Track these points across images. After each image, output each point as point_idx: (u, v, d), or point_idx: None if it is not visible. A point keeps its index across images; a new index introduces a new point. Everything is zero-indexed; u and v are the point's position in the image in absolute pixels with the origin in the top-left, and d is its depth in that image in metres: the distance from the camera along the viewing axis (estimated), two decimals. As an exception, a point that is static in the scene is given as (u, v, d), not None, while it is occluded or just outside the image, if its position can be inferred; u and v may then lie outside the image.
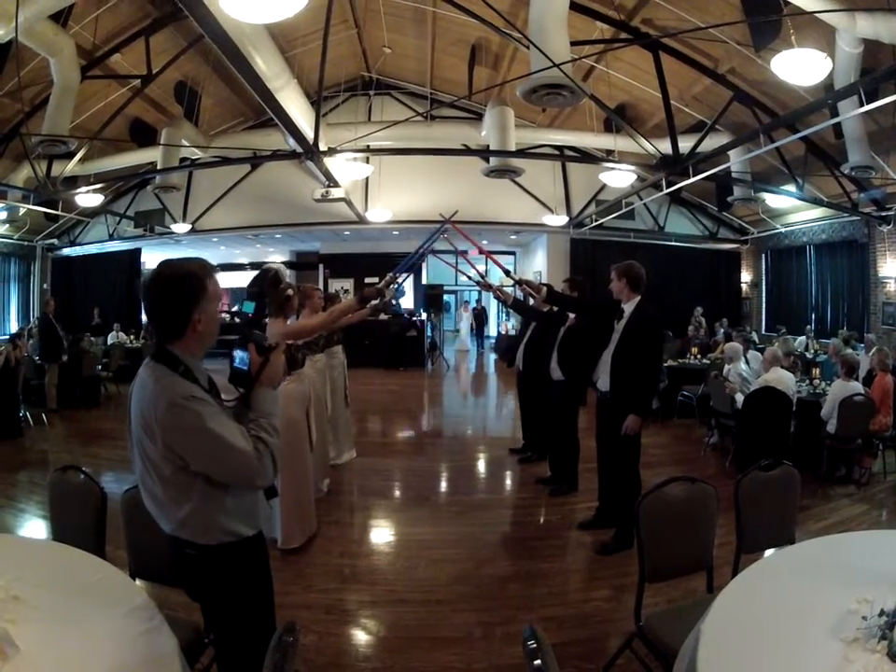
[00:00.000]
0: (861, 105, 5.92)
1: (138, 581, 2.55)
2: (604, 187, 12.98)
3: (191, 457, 1.87)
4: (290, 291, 4.48)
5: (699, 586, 2.89)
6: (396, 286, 4.96)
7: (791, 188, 10.10)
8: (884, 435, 6.17)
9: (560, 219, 14.30)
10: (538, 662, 1.60)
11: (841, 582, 1.99)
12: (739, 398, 6.75)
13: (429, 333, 17.06)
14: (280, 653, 1.60)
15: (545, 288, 5.07)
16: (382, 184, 13.42)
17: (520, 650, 2.11)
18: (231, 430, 1.91)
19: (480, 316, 22.08)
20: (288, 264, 19.65)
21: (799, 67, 5.43)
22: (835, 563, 2.19)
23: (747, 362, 7.93)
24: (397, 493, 6.25)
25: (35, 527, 4.81)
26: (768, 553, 2.80)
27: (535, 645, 1.65)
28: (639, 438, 4.56)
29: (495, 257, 6.43)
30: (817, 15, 5.86)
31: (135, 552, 2.61)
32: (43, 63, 8.01)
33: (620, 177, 9.96)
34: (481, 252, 6.38)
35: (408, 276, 11.49)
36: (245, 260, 19.76)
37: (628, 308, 4.52)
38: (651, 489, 2.70)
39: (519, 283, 5.44)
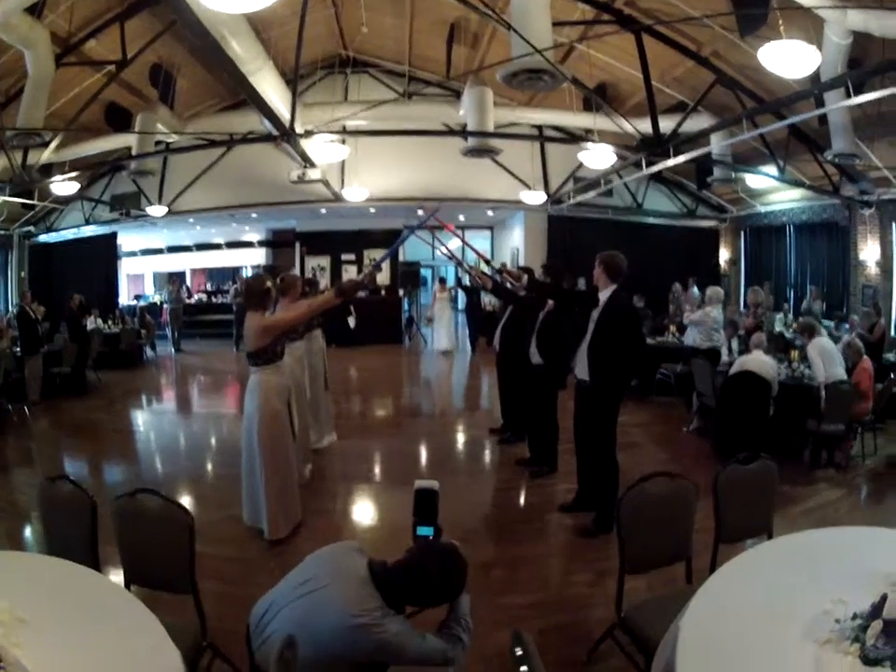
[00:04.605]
0: (849, 96, 5.95)
1: (133, 587, 2.59)
2: (582, 164, 12.94)
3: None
4: (269, 284, 4.48)
5: (678, 571, 2.96)
6: (375, 268, 5.01)
7: (773, 169, 10.11)
8: (863, 419, 6.25)
9: (538, 196, 14.25)
10: (524, 668, 1.64)
11: (817, 581, 2.05)
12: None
13: (406, 308, 17.12)
14: (283, 667, 1.65)
15: (526, 276, 5.11)
16: (359, 162, 13.25)
17: (506, 636, 2.17)
18: None
19: (471, 295, 14.69)
20: (265, 242, 19.55)
21: (787, 59, 5.40)
22: (812, 560, 2.25)
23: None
24: (378, 477, 6.32)
25: (24, 533, 4.74)
26: (747, 544, 2.88)
27: (521, 652, 1.69)
28: (615, 423, 4.66)
29: (475, 246, 6.46)
30: (807, 6, 5.85)
31: (129, 558, 2.64)
32: (17, 56, 7.85)
33: (599, 158, 9.93)
34: (463, 242, 6.42)
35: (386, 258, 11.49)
36: (220, 240, 19.57)
37: (603, 296, 4.59)
38: (632, 485, 2.77)
39: (500, 272, 5.48)
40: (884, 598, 1.74)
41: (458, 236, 6.78)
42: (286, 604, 2.11)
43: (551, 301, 5.66)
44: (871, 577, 1.94)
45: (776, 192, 13.25)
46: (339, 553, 2.23)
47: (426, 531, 2.30)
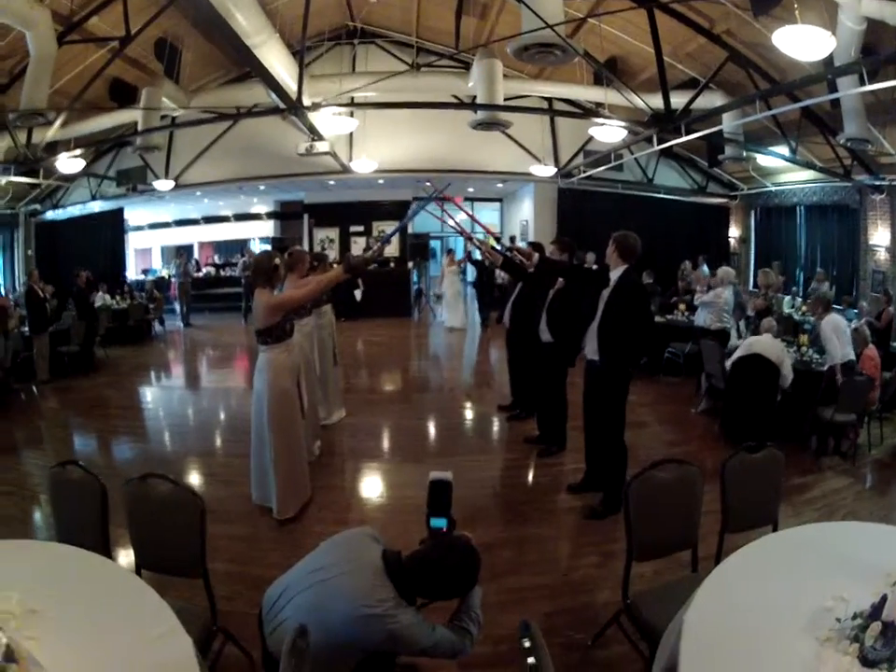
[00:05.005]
0: (863, 82, 5.85)
1: (144, 573, 2.60)
2: (592, 137, 12.78)
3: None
4: (277, 261, 4.47)
5: (685, 555, 2.97)
6: (383, 242, 4.99)
7: (784, 149, 9.94)
8: (870, 409, 6.14)
9: (548, 170, 14.12)
10: (531, 660, 1.66)
11: (820, 577, 2.07)
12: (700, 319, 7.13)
13: (415, 281, 17.07)
14: (295, 657, 1.66)
15: (537, 255, 5.09)
16: (367, 133, 13.11)
17: (513, 618, 2.19)
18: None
19: (482, 270, 13.65)
20: (273, 214, 19.47)
21: (802, 43, 5.29)
22: (816, 555, 2.26)
23: (736, 294, 8.20)
24: (387, 454, 6.33)
25: (35, 515, 4.76)
26: (751, 536, 2.88)
27: (529, 644, 1.70)
28: (624, 405, 4.66)
29: (484, 222, 6.42)
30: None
31: (140, 543, 2.66)
32: (20, 35, 7.74)
33: (610, 133, 9.79)
34: (473, 220, 6.37)
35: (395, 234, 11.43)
36: (228, 212, 19.48)
37: (614, 276, 4.55)
38: (639, 472, 2.77)
39: (510, 250, 5.44)
40: (884, 599, 1.74)
41: (468, 214, 6.74)
42: (300, 590, 2.14)
43: (561, 279, 5.62)
44: (873, 574, 1.96)
45: (787, 172, 13.02)
46: (354, 541, 2.25)
47: (439, 523, 2.30)
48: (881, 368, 6.46)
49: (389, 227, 16.04)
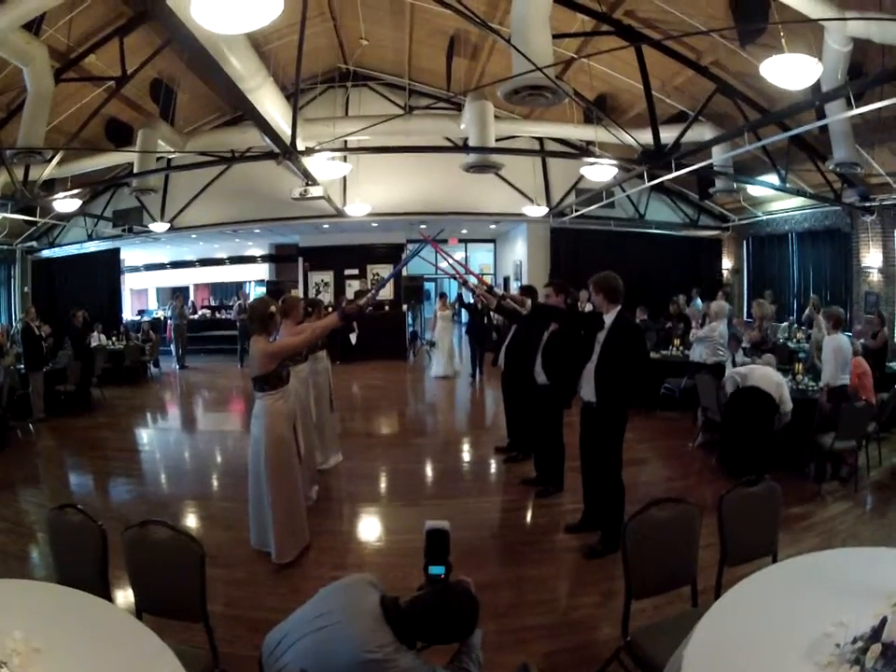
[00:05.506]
0: (850, 105, 5.93)
1: (145, 616, 2.58)
2: (584, 176, 12.94)
3: None
4: (273, 308, 4.49)
5: (684, 590, 2.95)
6: (377, 288, 5.05)
7: (774, 178, 10.05)
8: (867, 430, 6.14)
9: (540, 210, 14.28)
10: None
11: (819, 604, 2.08)
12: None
13: (410, 323, 17.09)
14: None
15: (529, 301, 5.12)
16: (360, 177, 13.29)
17: (513, 658, 2.16)
18: None
19: (474, 313, 12.56)
20: (268, 258, 19.57)
21: (790, 73, 5.39)
22: (815, 583, 2.28)
23: (730, 326, 8.22)
24: (384, 497, 6.27)
25: (32, 554, 4.75)
26: (750, 567, 2.88)
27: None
28: (621, 445, 4.66)
29: (477, 274, 6.48)
30: (808, 16, 5.85)
31: (140, 588, 2.64)
32: (17, 70, 7.85)
33: (601, 171, 9.91)
34: (468, 272, 6.43)
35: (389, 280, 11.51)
36: (224, 255, 19.65)
37: (608, 319, 4.57)
38: (637, 511, 2.77)
39: (503, 297, 5.49)
40: (884, 621, 1.76)
41: (461, 264, 6.82)
42: (299, 637, 2.12)
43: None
44: (873, 598, 1.97)
45: (777, 200, 13.22)
46: (352, 588, 2.23)
47: (437, 570, 2.29)
48: (877, 389, 6.53)
49: (383, 269, 16.20)
